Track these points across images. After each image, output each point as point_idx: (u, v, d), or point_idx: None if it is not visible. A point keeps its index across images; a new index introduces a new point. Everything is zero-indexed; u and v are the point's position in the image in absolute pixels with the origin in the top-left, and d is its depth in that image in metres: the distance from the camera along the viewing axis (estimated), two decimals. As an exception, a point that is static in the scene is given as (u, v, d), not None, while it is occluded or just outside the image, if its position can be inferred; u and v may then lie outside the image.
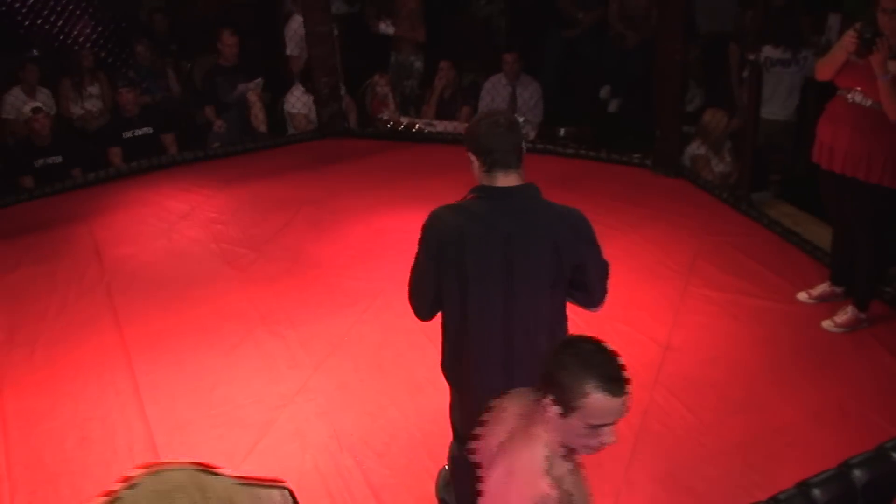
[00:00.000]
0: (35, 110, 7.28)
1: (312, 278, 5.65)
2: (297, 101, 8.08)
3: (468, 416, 3.14)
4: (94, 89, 8.12)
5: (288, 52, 8.31)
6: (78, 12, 8.26)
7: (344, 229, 6.34)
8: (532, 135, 7.80)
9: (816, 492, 1.10)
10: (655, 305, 5.25)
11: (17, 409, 4.59)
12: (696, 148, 6.92)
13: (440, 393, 4.13)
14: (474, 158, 3.00)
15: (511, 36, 8.68)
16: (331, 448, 4.23)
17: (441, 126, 7.97)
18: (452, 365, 3.20)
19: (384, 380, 4.64)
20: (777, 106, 6.66)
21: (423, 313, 3.15)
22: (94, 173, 7.41)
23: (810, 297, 5.26)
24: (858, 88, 4.62)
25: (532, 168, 7.11)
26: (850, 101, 4.67)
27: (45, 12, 8.17)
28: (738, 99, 6.95)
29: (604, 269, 3.13)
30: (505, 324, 3.00)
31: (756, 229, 6.13)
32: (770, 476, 3.86)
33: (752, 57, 6.19)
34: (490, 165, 2.96)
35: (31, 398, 4.68)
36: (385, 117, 8.10)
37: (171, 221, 6.62)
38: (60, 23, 8.22)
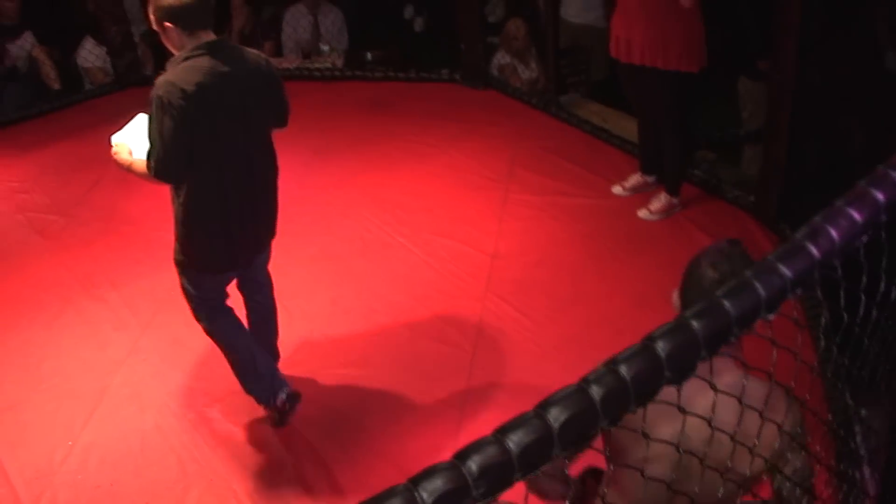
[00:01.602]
0: None
1: (129, 236, 5.44)
2: (90, 54, 7.67)
3: (216, 268, 3.67)
4: None
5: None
6: None
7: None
8: (340, 63, 7.68)
9: (623, 367, 1.12)
10: (479, 217, 5.33)
11: None
12: (501, 58, 6.99)
13: (279, 328, 4.11)
14: (171, 27, 3.29)
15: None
16: (171, 405, 4.14)
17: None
18: (199, 224, 3.49)
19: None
20: (577, 9, 6.76)
21: (178, 175, 3.37)
22: None
23: (624, 189, 5.44)
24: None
25: (343, 95, 7.13)
26: None
27: None
28: (538, 5, 7.02)
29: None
30: (248, 157, 3.46)
31: (567, 130, 6.27)
32: (604, 364, 4.00)
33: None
34: (192, 27, 3.29)
35: None
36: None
37: (-30, 197, 6.23)
38: None
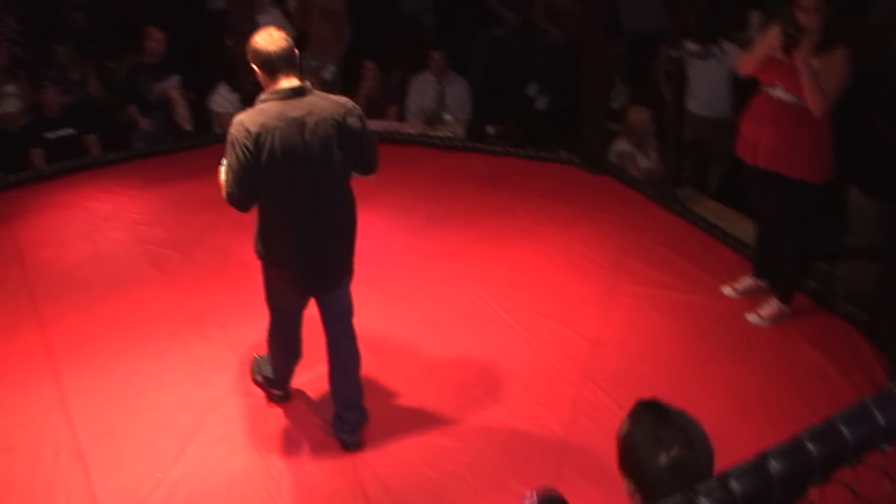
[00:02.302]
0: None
1: (240, 279, 5.55)
2: (223, 100, 7.96)
3: (286, 285, 3.96)
4: (11, 89, 7.86)
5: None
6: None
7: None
8: (460, 133, 7.81)
9: (734, 483, 1.11)
10: (583, 301, 5.31)
11: (-65, 419, 4.47)
12: (621, 145, 7.00)
13: (373, 389, 4.15)
14: (258, 69, 3.70)
15: (439, 33, 8.68)
16: (260, 450, 4.20)
17: (370, 126, 7.91)
18: (270, 244, 3.84)
19: (314, 379, 4.58)
20: (703, 101, 6.73)
21: (243, 204, 3.71)
22: (15, 175, 7.21)
23: (734, 290, 5.35)
24: (780, 84, 4.70)
25: (460, 166, 7.24)
26: (773, 96, 4.75)
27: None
28: (663, 96, 7.03)
29: (374, 142, 3.94)
30: (313, 197, 3.71)
31: (681, 225, 6.22)
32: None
33: (673, 52, 6.29)
34: (273, 71, 3.66)
35: (-50, 407, 4.56)
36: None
37: (94, 223, 6.49)
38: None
